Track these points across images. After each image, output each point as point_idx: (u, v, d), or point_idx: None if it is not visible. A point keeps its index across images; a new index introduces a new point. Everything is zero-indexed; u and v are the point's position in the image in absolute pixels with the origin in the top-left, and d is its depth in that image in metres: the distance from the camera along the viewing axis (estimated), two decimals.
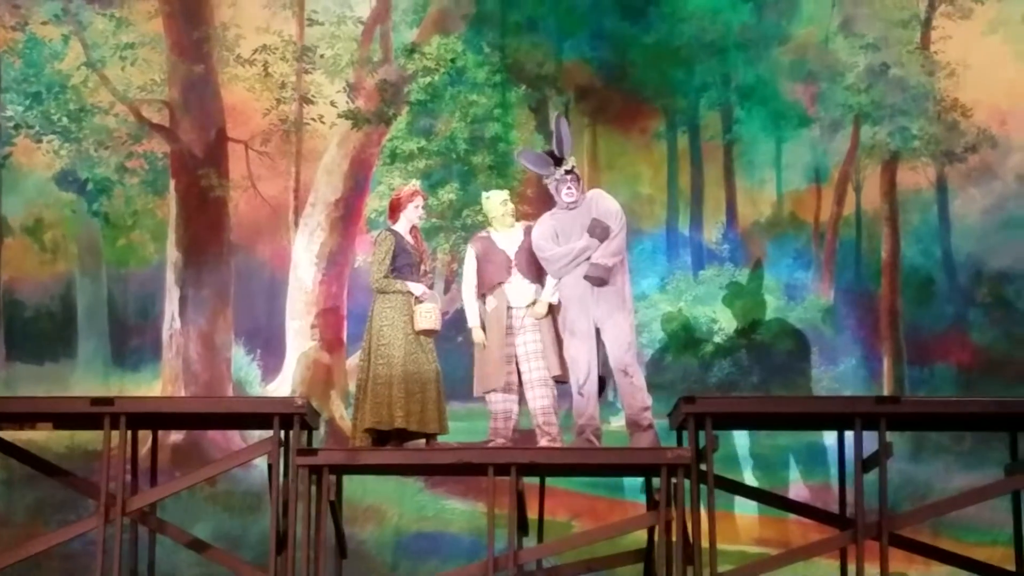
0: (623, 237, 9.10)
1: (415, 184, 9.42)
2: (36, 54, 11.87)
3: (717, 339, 11.59)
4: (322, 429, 10.53)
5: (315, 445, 9.40)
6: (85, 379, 11.40)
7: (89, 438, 10.33)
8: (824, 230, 11.74)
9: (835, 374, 11.48)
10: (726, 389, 11.37)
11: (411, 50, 11.87)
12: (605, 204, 9.13)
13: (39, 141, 11.74)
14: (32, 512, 11.08)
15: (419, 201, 9.22)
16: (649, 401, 9.08)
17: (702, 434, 8.79)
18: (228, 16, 11.91)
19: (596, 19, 11.91)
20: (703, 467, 8.83)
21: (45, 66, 11.87)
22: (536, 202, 11.53)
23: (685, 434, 8.92)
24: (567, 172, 9.12)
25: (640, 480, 9.46)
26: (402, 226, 9.19)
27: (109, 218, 11.73)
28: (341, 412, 11.27)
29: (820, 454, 10.99)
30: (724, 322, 11.60)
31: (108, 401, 9.14)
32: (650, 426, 9.05)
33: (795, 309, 11.62)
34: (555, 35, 11.91)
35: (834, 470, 9.73)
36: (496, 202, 9.33)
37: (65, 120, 11.81)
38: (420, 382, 8.94)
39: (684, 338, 11.59)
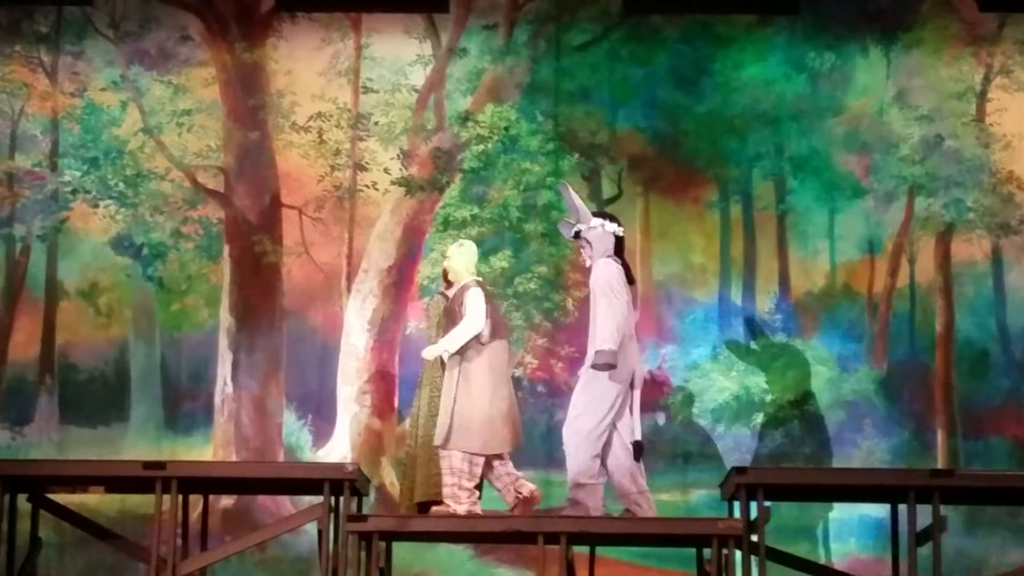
0: (618, 309, 8.99)
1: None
2: (94, 120, 12.00)
3: (769, 409, 11.52)
4: (372, 495, 10.52)
5: (365, 511, 9.40)
6: (137, 443, 11.43)
7: (140, 502, 10.34)
8: (877, 301, 11.68)
9: (888, 446, 11.38)
10: (778, 460, 11.29)
11: (465, 118, 11.93)
12: (595, 273, 9.14)
13: (96, 206, 11.84)
14: None
15: None
16: (582, 480, 8.96)
17: (754, 505, 8.73)
18: (284, 84, 12.01)
19: (649, 89, 11.94)
20: (754, 538, 8.77)
21: (103, 132, 11.99)
22: (586, 271, 11.58)
23: (737, 505, 8.86)
24: (575, 237, 9.28)
25: (691, 551, 9.39)
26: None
27: (164, 283, 11.80)
28: (391, 478, 11.25)
29: (873, 527, 10.88)
30: (776, 392, 11.53)
31: (160, 465, 9.18)
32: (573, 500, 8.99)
33: (848, 380, 11.55)
34: (608, 104, 11.95)
35: (887, 543, 9.63)
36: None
37: (122, 185, 11.91)
38: None
39: (736, 408, 11.53)
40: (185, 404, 11.58)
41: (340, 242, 11.84)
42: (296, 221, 11.84)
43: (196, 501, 10.00)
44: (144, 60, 12.01)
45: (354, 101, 11.98)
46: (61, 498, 9.78)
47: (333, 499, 9.07)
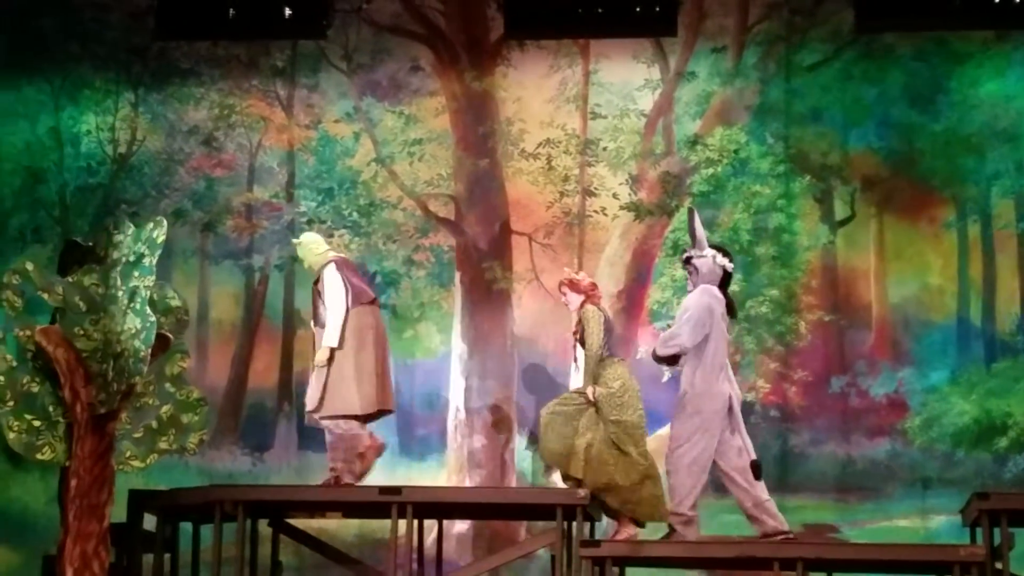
0: (686, 331, 9.17)
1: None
2: (328, 151, 12.23)
3: (1012, 433, 11.18)
4: (605, 520, 10.48)
5: (598, 536, 9.37)
6: (373, 469, 11.57)
7: (377, 526, 10.48)
8: None
9: None
10: (1022, 485, 10.95)
11: (694, 142, 11.87)
12: (688, 298, 9.37)
13: (330, 235, 12.03)
14: None
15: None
16: (683, 511, 9.05)
17: (997, 531, 8.48)
18: (513, 111, 12.09)
19: (883, 108, 11.73)
20: (998, 566, 8.52)
21: (337, 162, 12.21)
22: (819, 293, 11.42)
23: (979, 531, 8.62)
24: (685, 262, 9.45)
25: None
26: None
27: (396, 310, 11.96)
28: None
29: None
30: (1019, 415, 11.19)
31: (396, 491, 9.29)
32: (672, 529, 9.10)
33: None
34: (840, 124, 11.76)
35: None
36: None
37: (355, 215, 12.12)
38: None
39: (976, 432, 11.22)
40: (419, 430, 11.70)
41: (570, 268, 11.83)
42: (526, 247, 11.90)
43: (431, 525, 10.08)
44: (376, 91, 12.22)
45: (582, 127, 12.01)
46: (300, 523, 9.96)
47: (566, 524, 9.07)
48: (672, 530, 9.16)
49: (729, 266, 9.49)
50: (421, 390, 11.78)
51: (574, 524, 9.06)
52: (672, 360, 9.37)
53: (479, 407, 11.65)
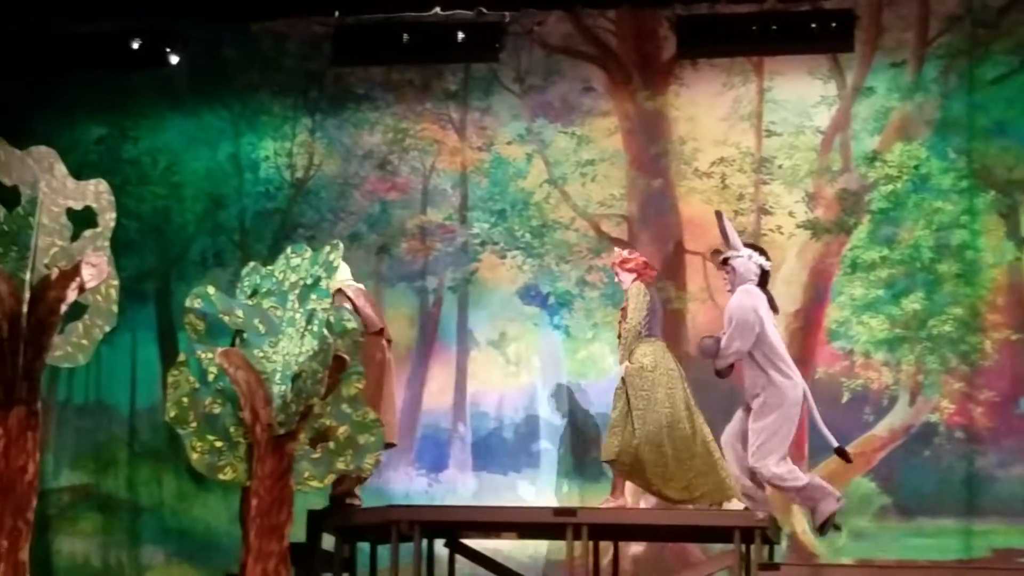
0: (738, 338, 9.23)
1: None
2: (501, 173, 12.27)
3: None
4: (784, 543, 10.35)
5: (777, 560, 9.25)
6: (546, 489, 11.57)
7: (552, 547, 10.46)
8: None
9: None
10: None
11: (872, 158, 11.67)
12: (732, 300, 9.41)
13: (503, 257, 12.09)
14: None
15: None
16: (799, 483, 9.17)
17: None
18: (686, 130, 12.01)
19: None
20: None
21: (509, 184, 12.24)
22: (1005, 311, 11.15)
23: None
24: (722, 263, 9.52)
25: None
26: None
27: (570, 331, 11.94)
28: (804, 526, 11.04)
29: None
30: None
31: (571, 512, 9.28)
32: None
33: None
34: None
35: None
36: None
37: (528, 236, 12.13)
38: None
39: None
40: (592, 451, 11.64)
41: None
42: (700, 267, 11.81)
43: (606, 547, 10.03)
44: (548, 112, 12.23)
45: (757, 145, 11.88)
46: (476, 543, 9.98)
47: (744, 547, 8.96)
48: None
49: (767, 264, 9.55)
50: (595, 411, 11.73)
51: (752, 547, 8.93)
52: (728, 371, 9.52)
53: None
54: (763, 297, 9.44)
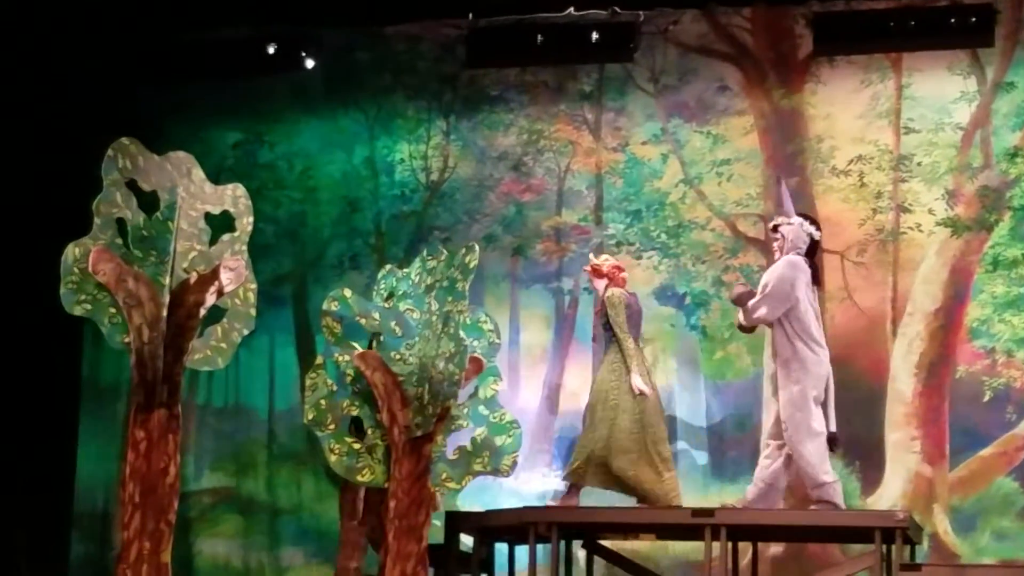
0: (767, 305, 9.31)
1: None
2: (636, 173, 12.24)
3: None
4: (925, 544, 10.22)
5: (918, 560, 9.13)
6: (685, 490, 11.49)
7: (690, 548, 10.41)
8: None
9: None
10: None
11: (1013, 154, 11.48)
12: (773, 267, 9.56)
13: (639, 257, 12.06)
14: None
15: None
16: (823, 478, 9.03)
17: None
18: (822, 128, 11.90)
19: None
20: None
21: (644, 184, 12.21)
22: None
23: None
24: (773, 229, 9.66)
25: None
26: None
27: (707, 331, 11.89)
28: (945, 526, 10.90)
29: None
30: None
31: (708, 513, 9.23)
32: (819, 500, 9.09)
33: None
34: None
35: None
36: None
37: (664, 236, 12.09)
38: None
39: None
40: (731, 451, 11.60)
41: (883, 286, 11.60)
42: (838, 266, 11.69)
43: (745, 548, 9.97)
44: (683, 112, 12.18)
45: (895, 142, 11.73)
46: (614, 544, 9.97)
47: (884, 547, 8.86)
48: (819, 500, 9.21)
49: (816, 234, 9.64)
50: (732, 411, 11.68)
51: (893, 548, 8.82)
52: (750, 329, 9.74)
53: None
54: (807, 272, 9.50)
